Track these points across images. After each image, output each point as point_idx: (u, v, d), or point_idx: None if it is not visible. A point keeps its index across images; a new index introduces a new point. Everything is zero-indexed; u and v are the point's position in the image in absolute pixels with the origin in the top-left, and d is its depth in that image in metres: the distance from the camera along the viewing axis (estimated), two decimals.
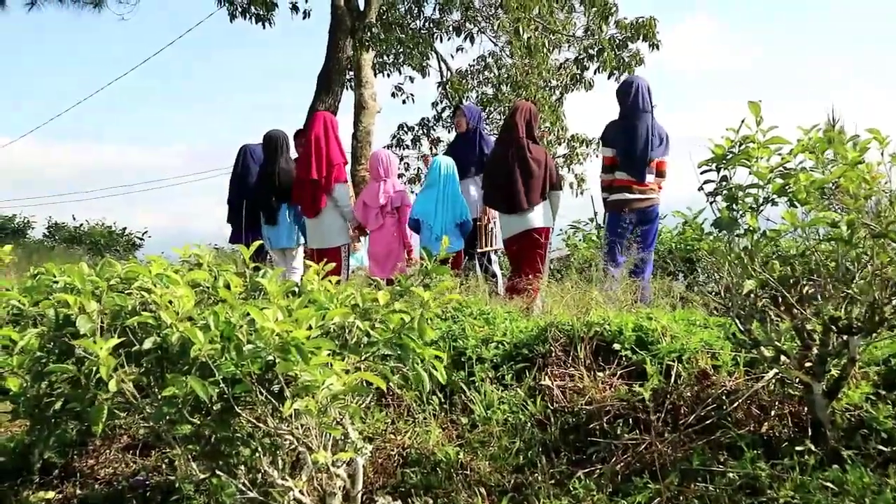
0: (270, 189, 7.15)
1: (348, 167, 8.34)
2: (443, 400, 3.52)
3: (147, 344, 2.12)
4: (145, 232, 14.80)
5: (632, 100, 6.28)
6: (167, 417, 2.11)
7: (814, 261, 2.64)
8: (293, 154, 7.49)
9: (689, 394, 3.19)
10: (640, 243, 6.04)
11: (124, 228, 14.82)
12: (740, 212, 2.72)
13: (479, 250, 7.00)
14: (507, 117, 6.62)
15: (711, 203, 2.82)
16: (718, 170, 2.79)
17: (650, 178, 6.23)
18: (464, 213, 6.84)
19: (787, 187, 2.61)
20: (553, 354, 3.61)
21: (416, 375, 2.51)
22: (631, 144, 6.17)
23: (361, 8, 12.88)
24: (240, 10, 12.63)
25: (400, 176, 15.13)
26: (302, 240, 7.27)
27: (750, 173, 2.69)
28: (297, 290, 2.75)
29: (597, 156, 16.05)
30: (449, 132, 17.64)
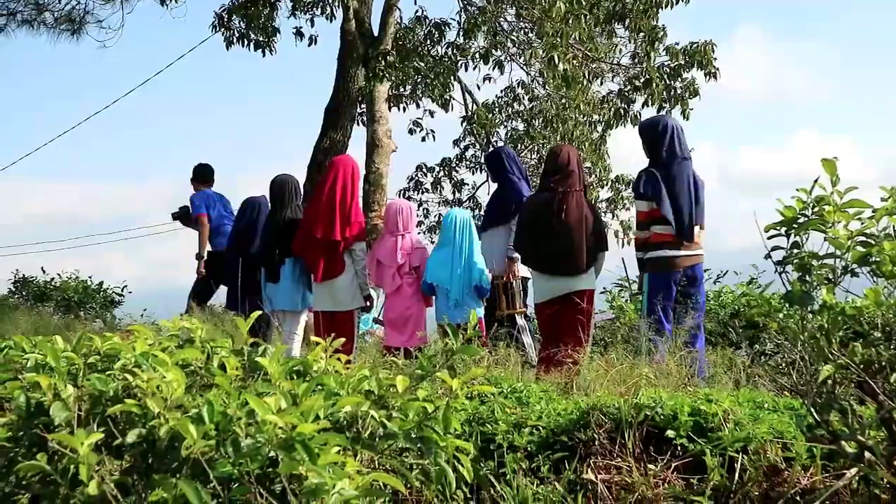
0: (275, 241, 7.16)
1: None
2: (469, 495, 3.50)
3: (131, 437, 2.13)
4: (125, 286, 14.87)
5: (668, 145, 6.25)
6: None
7: None
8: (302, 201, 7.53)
9: (756, 492, 3.15)
10: (690, 307, 6.00)
11: (101, 283, 14.92)
12: (814, 284, 2.72)
13: (500, 314, 6.99)
14: (557, 160, 6.57)
15: (780, 273, 2.82)
16: (788, 235, 2.79)
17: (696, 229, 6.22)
18: (482, 275, 6.86)
19: (869, 257, 2.60)
20: (597, 442, 3.58)
21: (439, 471, 2.50)
22: (675, 199, 6.14)
23: (375, 33, 13.08)
24: (237, 35, 12.85)
25: (419, 224, 15.23)
26: (308, 302, 7.25)
27: (825, 240, 2.69)
28: (302, 369, 2.76)
29: None
30: (474, 173, 17.77)
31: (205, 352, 2.71)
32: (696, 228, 6.19)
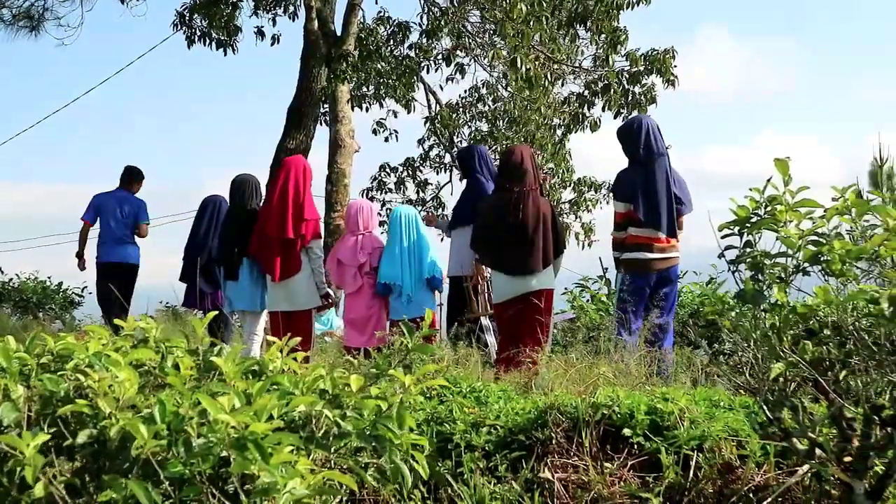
0: (234, 240, 7.12)
1: (321, 211, 8.40)
2: (426, 494, 3.49)
3: (81, 437, 2.11)
4: (84, 287, 14.70)
5: (644, 143, 6.29)
6: None
7: (852, 340, 2.66)
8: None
9: (710, 489, 3.18)
10: (661, 308, 6.04)
11: (60, 283, 14.76)
12: (767, 283, 2.75)
13: (470, 316, 6.99)
14: (510, 160, 6.58)
15: (734, 272, 2.84)
16: (741, 234, 2.82)
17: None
18: (432, 268, 6.87)
19: (820, 256, 2.63)
20: (554, 441, 3.59)
21: (395, 469, 2.49)
22: (653, 197, 6.18)
23: (339, 33, 13.05)
24: (198, 34, 12.78)
25: (382, 224, 15.20)
26: (266, 303, 7.21)
27: (777, 239, 2.72)
28: (257, 368, 2.74)
29: (607, 202, 16.19)
30: (438, 173, 17.78)
31: (159, 352, 2.69)
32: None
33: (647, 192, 6.19)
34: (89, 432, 2.12)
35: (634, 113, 12.14)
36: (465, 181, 7.88)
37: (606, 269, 9.92)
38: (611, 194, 6.56)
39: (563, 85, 14.34)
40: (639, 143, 6.30)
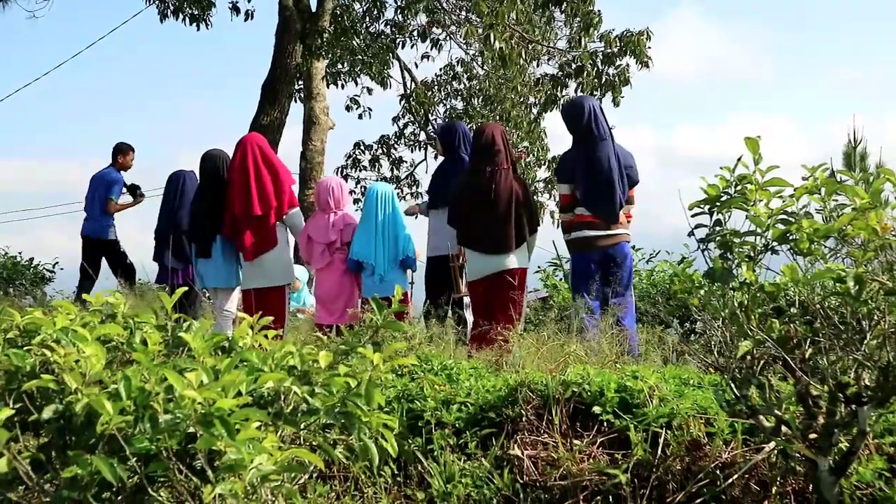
0: (206, 216, 7.07)
1: (296, 188, 8.37)
2: (396, 471, 3.50)
3: (47, 413, 2.09)
4: (56, 263, 14.55)
5: (585, 125, 6.28)
6: (69, 501, 2.07)
7: (818, 318, 2.68)
8: None
9: (678, 467, 3.20)
10: (613, 287, 6.05)
11: (31, 259, 14.60)
12: (735, 261, 2.76)
13: (456, 296, 6.97)
14: (484, 138, 6.56)
15: (703, 251, 2.86)
16: (711, 213, 2.83)
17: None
18: (407, 248, 6.86)
19: (788, 234, 2.65)
20: (524, 419, 3.61)
21: (363, 446, 2.49)
22: (593, 181, 6.19)
23: (314, 9, 12.95)
24: (171, 8, 12.65)
25: (356, 202, 15.15)
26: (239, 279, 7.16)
27: (746, 218, 2.73)
28: (227, 345, 2.73)
29: None
30: (413, 151, 17.74)
31: (127, 327, 2.67)
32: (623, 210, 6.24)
33: (587, 174, 6.20)
34: (55, 408, 2.11)
35: (609, 94, 12.16)
36: (440, 159, 7.84)
37: (560, 257, 9.87)
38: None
39: (538, 65, 14.32)
40: (580, 125, 6.30)
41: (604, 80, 12.25)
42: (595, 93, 12.16)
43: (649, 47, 12.00)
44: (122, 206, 9.79)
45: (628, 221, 6.36)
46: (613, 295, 5.99)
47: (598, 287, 6.04)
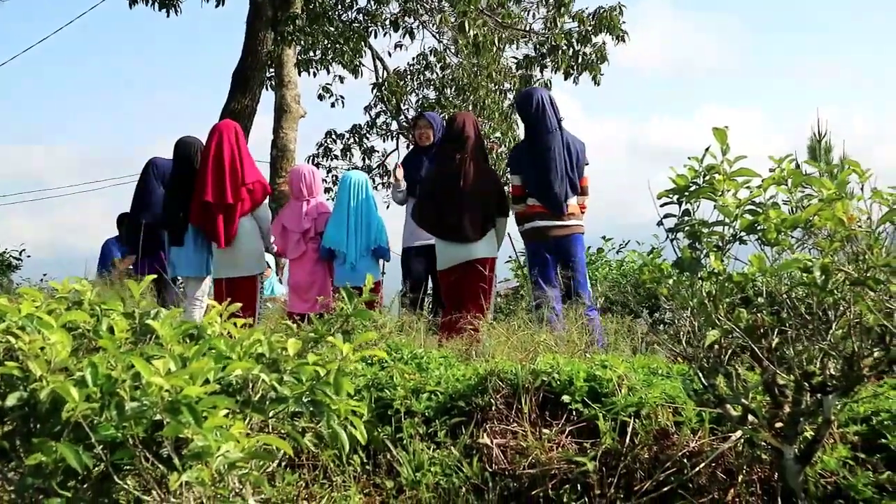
0: (179, 203, 7.02)
1: (267, 178, 8.32)
2: (365, 460, 3.51)
3: (11, 400, 2.08)
4: (22, 250, 14.43)
5: (533, 116, 6.33)
6: (33, 488, 2.06)
7: (785, 308, 2.71)
8: None
9: (646, 455, 3.22)
10: (572, 276, 6.08)
11: None
12: (704, 251, 2.78)
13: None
14: (452, 127, 6.58)
15: (672, 241, 2.87)
16: (680, 203, 2.84)
17: (573, 200, 6.28)
18: (379, 237, 6.86)
19: (756, 225, 2.67)
20: (493, 408, 3.62)
21: (332, 434, 2.49)
22: (542, 173, 6.23)
23: None
24: None
25: (327, 191, 15.09)
26: (209, 268, 7.11)
27: (715, 208, 2.75)
28: (196, 332, 2.72)
29: None
30: (385, 141, 17.67)
31: (94, 314, 2.65)
32: (574, 199, 6.26)
33: (534, 165, 6.23)
34: (19, 395, 2.09)
35: (585, 74, 12.21)
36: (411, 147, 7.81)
37: (516, 250, 9.85)
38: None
39: (517, 48, 14.28)
40: (529, 116, 6.36)
41: (580, 59, 12.29)
42: (571, 72, 12.21)
43: (623, 21, 12.07)
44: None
45: (582, 212, 6.39)
46: (575, 286, 6.02)
47: (555, 277, 6.06)
